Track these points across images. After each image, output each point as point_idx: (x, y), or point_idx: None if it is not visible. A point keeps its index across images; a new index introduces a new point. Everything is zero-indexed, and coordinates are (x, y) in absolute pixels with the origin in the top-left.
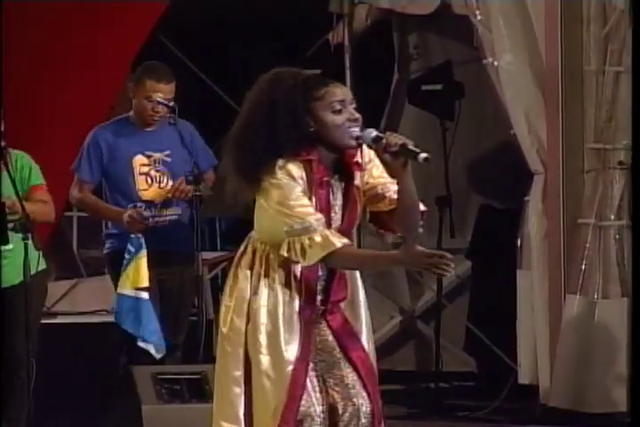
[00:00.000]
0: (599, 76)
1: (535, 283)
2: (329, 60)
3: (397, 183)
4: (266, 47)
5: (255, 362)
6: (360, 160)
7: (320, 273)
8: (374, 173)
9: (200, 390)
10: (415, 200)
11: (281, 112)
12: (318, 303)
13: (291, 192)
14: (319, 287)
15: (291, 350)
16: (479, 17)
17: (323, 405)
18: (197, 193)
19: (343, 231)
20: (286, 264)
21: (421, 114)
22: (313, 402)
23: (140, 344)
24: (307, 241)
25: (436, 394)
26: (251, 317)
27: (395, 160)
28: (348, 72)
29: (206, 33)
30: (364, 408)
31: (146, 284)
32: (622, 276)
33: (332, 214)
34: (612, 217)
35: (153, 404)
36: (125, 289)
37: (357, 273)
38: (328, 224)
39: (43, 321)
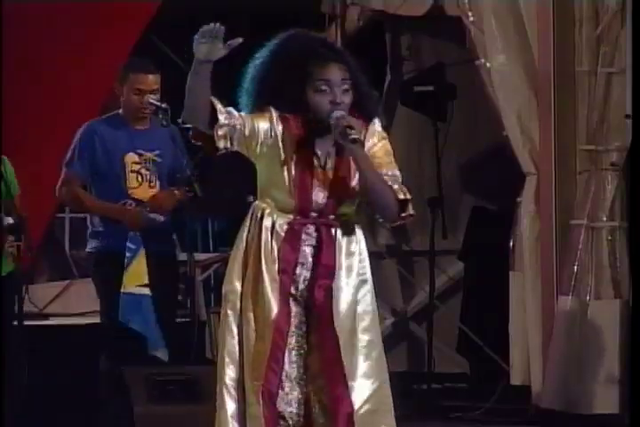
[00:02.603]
0: (591, 78)
1: (527, 284)
2: None
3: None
4: (258, 48)
5: (246, 323)
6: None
7: (309, 242)
8: (376, 153)
9: (192, 392)
10: (377, 190)
11: (288, 78)
12: (305, 268)
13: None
14: (310, 263)
15: (273, 303)
16: (471, 18)
17: (299, 402)
18: (190, 193)
19: (333, 202)
20: (270, 224)
21: (414, 115)
22: (292, 403)
23: (152, 352)
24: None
25: (429, 395)
26: (245, 278)
27: (343, 143)
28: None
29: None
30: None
31: (146, 280)
32: (614, 277)
33: (317, 181)
34: (605, 218)
35: (145, 405)
36: (130, 288)
37: (363, 245)
38: (307, 188)
39: (35, 323)
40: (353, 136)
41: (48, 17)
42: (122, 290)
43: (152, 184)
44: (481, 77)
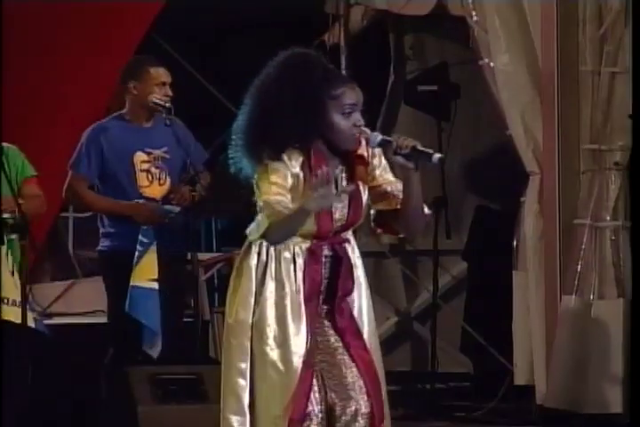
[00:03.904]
0: (595, 77)
1: (531, 284)
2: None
3: (404, 184)
4: (261, 48)
5: (261, 355)
6: (365, 154)
7: (324, 260)
8: (382, 169)
9: (196, 391)
10: (421, 202)
11: (305, 104)
12: (323, 296)
13: (274, 173)
14: (324, 279)
15: (299, 343)
16: (475, 18)
17: (321, 405)
18: (193, 193)
19: (348, 225)
20: (291, 255)
21: (417, 115)
22: (312, 402)
23: (145, 348)
24: (259, 217)
25: (433, 395)
26: (257, 309)
27: (406, 162)
28: (343, 73)
29: (202, 33)
30: (362, 409)
31: (156, 275)
32: (618, 276)
33: (335, 208)
34: (608, 218)
35: (149, 405)
36: (140, 281)
37: (361, 270)
38: (329, 214)
39: None
40: (438, 155)
41: (50, 17)
42: (131, 283)
43: (162, 182)
44: (484, 77)
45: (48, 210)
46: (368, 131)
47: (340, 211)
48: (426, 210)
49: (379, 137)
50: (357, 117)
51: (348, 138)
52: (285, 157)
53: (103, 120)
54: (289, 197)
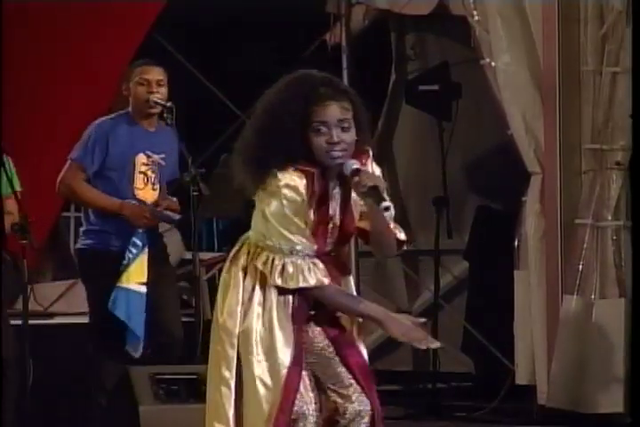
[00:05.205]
0: (596, 77)
1: (532, 283)
2: (326, 60)
3: (371, 217)
4: (263, 48)
5: (247, 366)
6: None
7: None
8: None
9: (197, 391)
10: (384, 234)
11: (289, 121)
12: (311, 307)
13: (289, 207)
14: None
15: (285, 355)
16: (477, 17)
17: (316, 403)
18: (195, 193)
19: (340, 241)
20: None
21: (419, 114)
22: (306, 401)
23: (128, 349)
24: (289, 265)
25: (434, 395)
26: (244, 320)
27: (364, 198)
28: (345, 72)
29: (203, 33)
30: (364, 407)
31: (145, 279)
32: (619, 276)
33: (331, 226)
34: (610, 217)
35: (150, 404)
36: (130, 283)
37: (350, 277)
38: (324, 235)
39: (40, 321)
40: (386, 204)
41: (50, 17)
42: (118, 284)
43: (155, 187)
44: (486, 77)
45: (50, 210)
46: (347, 159)
47: (332, 234)
48: (402, 236)
49: (353, 166)
50: (331, 134)
51: (324, 155)
52: (296, 178)
53: (110, 115)
54: (308, 231)
